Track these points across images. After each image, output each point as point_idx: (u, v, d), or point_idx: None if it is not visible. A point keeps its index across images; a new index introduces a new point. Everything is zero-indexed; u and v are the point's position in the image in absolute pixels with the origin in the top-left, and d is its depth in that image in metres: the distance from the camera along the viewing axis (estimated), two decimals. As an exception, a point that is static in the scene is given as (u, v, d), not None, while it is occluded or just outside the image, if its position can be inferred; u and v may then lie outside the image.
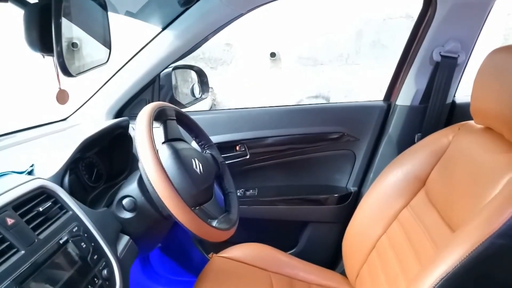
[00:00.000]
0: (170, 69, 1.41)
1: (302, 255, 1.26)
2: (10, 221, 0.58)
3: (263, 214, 1.44)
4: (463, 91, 1.34)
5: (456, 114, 1.33)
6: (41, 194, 0.67)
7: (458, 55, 1.22)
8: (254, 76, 3.96)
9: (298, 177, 1.49)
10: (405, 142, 1.29)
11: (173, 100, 1.44)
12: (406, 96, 1.33)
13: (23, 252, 0.57)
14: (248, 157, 1.42)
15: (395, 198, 1.03)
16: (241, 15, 1.22)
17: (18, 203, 0.62)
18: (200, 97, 1.56)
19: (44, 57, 0.66)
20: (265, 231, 1.49)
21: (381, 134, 1.40)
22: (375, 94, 3.66)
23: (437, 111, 1.26)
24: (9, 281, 0.52)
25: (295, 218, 1.46)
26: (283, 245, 1.32)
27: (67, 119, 1.32)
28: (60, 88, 0.73)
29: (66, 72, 0.68)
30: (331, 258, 1.48)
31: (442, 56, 1.22)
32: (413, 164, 1.02)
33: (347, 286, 1.13)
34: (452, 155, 0.94)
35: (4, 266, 0.53)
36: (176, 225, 0.83)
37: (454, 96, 1.34)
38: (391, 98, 1.42)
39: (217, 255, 1.18)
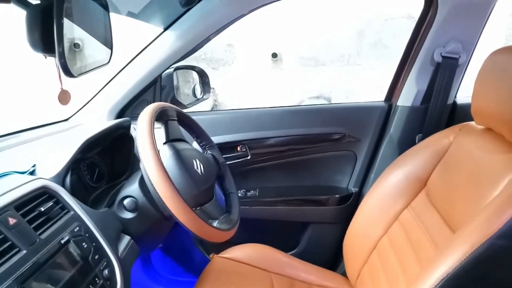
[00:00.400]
0: (172, 69, 1.41)
1: (303, 256, 1.27)
2: (12, 220, 0.58)
3: (264, 214, 1.44)
4: (464, 92, 1.34)
5: (457, 115, 1.33)
6: (43, 194, 0.68)
7: (459, 56, 1.22)
8: (255, 77, 3.96)
9: (299, 177, 1.49)
10: (406, 143, 1.29)
11: (175, 101, 1.44)
12: (407, 97, 1.33)
13: (24, 251, 0.57)
14: (249, 157, 1.43)
15: (396, 198, 1.03)
16: (242, 15, 1.22)
17: (20, 203, 0.62)
18: (202, 97, 1.56)
19: (46, 57, 0.67)
20: (266, 231, 1.49)
21: (382, 134, 1.40)
22: (376, 94, 3.66)
23: (438, 112, 1.26)
24: (10, 281, 0.52)
25: (296, 218, 1.46)
26: (284, 246, 1.33)
27: (69, 120, 1.33)
28: (62, 89, 0.73)
29: (68, 72, 0.68)
30: (332, 259, 1.49)
31: (443, 56, 1.22)
32: (414, 165, 1.02)
33: (348, 286, 1.13)
34: (453, 156, 0.94)
35: (6, 266, 0.53)
36: (177, 226, 0.83)
37: (455, 97, 1.34)
38: (392, 99, 1.42)
39: (218, 255, 1.18)
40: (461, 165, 0.88)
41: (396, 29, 3.65)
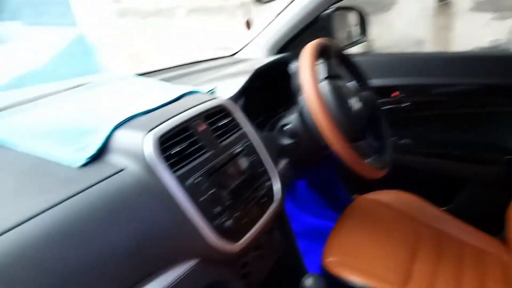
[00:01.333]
0: (330, 10, 1.39)
1: (457, 215, 1.17)
2: (201, 127, 0.70)
3: (417, 164, 1.37)
4: None
5: None
6: (222, 111, 0.79)
7: None
8: (417, 23, 3.57)
9: (463, 132, 1.35)
10: None
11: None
12: None
13: (209, 153, 0.69)
14: (406, 104, 1.34)
15: None
16: None
17: (206, 115, 0.74)
18: (359, 39, 1.51)
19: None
20: (416, 182, 1.41)
21: None
22: None
23: None
24: (202, 172, 0.65)
25: (453, 173, 1.35)
26: (436, 200, 1.24)
27: (235, 55, 1.46)
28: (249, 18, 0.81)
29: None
30: (491, 223, 1.34)
31: None
32: None
33: (508, 255, 1.02)
34: None
35: (198, 161, 0.66)
36: (326, 161, 0.87)
37: None
38: None
39: (364, 196, 1.19)
40: None
41: None
